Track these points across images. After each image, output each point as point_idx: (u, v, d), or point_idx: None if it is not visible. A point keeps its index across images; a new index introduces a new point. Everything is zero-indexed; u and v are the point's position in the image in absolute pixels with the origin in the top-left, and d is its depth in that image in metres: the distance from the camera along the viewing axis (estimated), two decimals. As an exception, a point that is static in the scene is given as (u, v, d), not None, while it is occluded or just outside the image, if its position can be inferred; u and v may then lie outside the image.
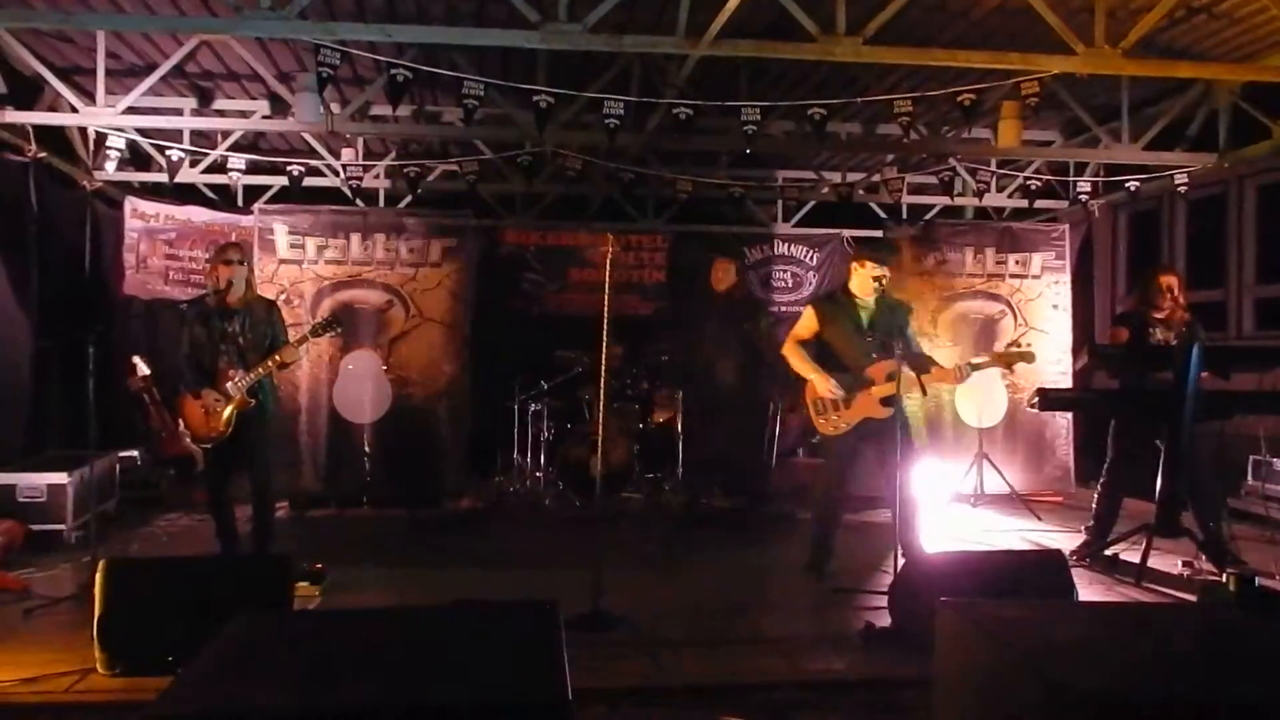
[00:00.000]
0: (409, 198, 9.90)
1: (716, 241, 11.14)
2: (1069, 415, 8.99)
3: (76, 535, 6.66)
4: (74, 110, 7.57)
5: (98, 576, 4.16)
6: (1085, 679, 2.48)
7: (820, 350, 5.95)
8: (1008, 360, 6.11)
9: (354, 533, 7.50)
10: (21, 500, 6.61)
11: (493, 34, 6.42)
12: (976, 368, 6.01)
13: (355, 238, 8.49)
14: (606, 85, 7.39)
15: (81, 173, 8.97)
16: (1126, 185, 9.00)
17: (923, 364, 5.83)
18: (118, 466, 7.65)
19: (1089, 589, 5.47)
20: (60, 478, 6.69)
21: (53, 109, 7.93)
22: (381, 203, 10.46)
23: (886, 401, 5.68)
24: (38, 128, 7.88)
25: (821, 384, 5.80)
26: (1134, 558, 5.94)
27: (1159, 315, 6.34)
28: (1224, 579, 5.53)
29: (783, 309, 11.06)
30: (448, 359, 8.52)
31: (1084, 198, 9.76)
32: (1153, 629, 3.14)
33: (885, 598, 4.81)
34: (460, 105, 6.77)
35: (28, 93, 7.81)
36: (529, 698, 2.30)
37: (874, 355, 5.78)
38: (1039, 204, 10.12)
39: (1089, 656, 2.72)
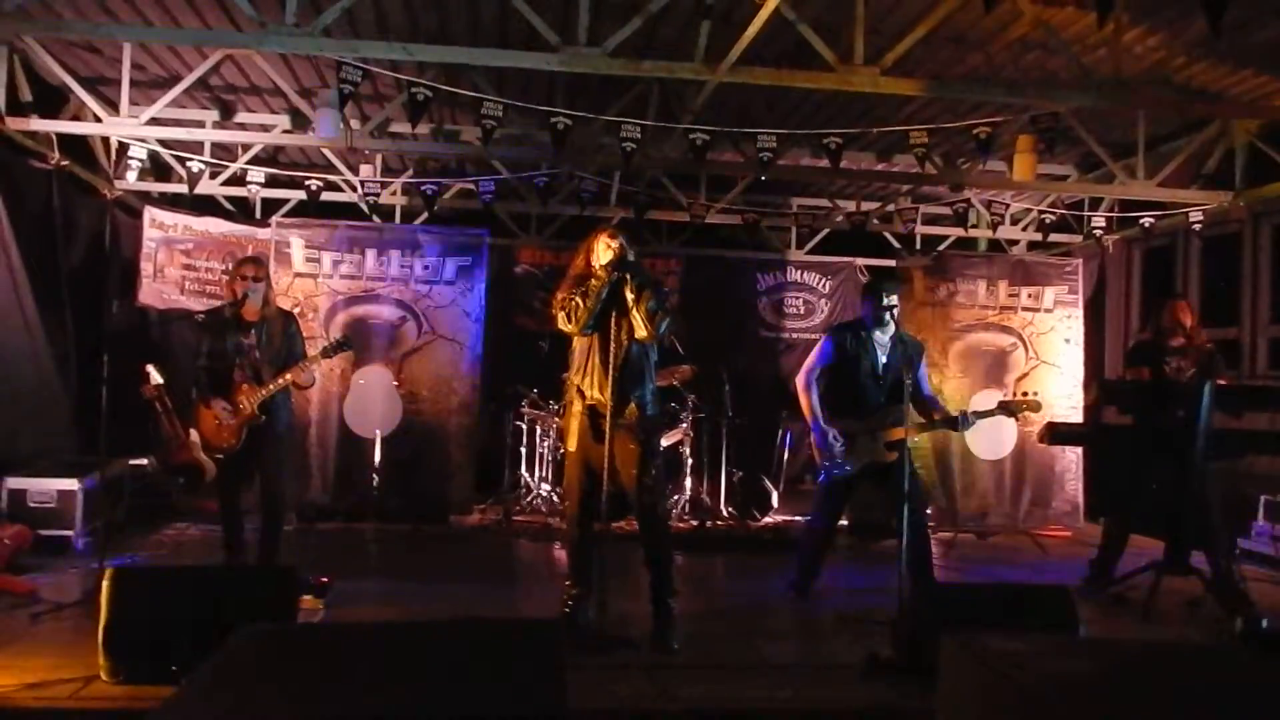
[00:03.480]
0: (425, 215, 9.97)
1: (730, 265, 11.21)
2: (1079, 450, 8.96)
3: (85, 541, 6.70)
4: (98, 120, 7.65)
5: (104, 584, 4.17)
6: (1088, 715, 2.47)
7: (831, 387, 5.96)
8: (1013, 410, 6.11)
9: (360, 546, 7.50)
10: (31, 505, 6.65)
11: (513, 55, 6.47)
12: (981, 416, 6.03)
13: (370, 253, 8.54)
14: (624, 108, 7.44)
15: (102, 181, 9.05)
16: (1141, 221, 9.01)
17: (926, 414, 5.85)
18: (128, 474, 7.68)
19: (1094, 625, 5.44)
20: (70, 484, 6.74)
21: (77, 118, 8.01)
22: (398, 219, 10.52)
23: (891, 446, 5.70)
24: (61, 136, 7.96)
25: (820, 441, 5.84)
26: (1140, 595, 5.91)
27: (1174, 345, 6.31)
28: (1232, 619, 5.52)
29: (794, 335, 11.09)
30: (458, 376, 8.54)
31: (1098, 233, 9.77)
32: (1158, 667, 3.12)
33: (889, 628, 4.79)
34: (479, 124, 6.83)
35: (52, 101, 7.91)
36: (528, 716, 2.30)
37: (883, 399, 5.80)
38: (1053, 238, 10.13)
39: (1093, 693, 2.71)
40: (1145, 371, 6.39)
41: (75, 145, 8.38)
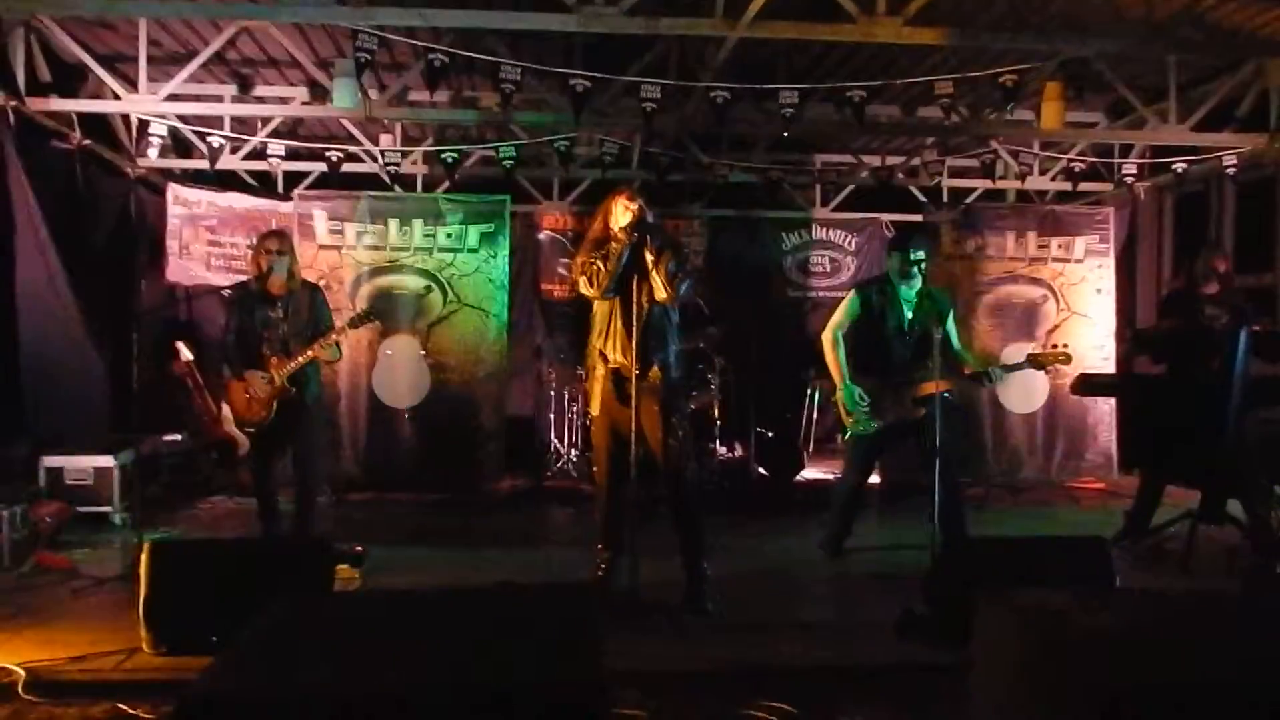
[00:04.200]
0: (446, 183, 9.93)
1: (754, 226, 11.12)
2: (1111, 401, 8.88)
3: (122, 517, 6.79)
4: (116, 97, 7.65)
5: (143, 557, 4.22)
6: (1127, 667, 2.45)
7: (857, 343, 5.91)
8: (1042, 363, 6.02)
9: (393, 516, 7.56)
10: (69, 483, 6.74)
11: (530, 18, 6.41)
12: (1009, 370, 5.96)
13: (393, 223, 8.54)
14: (643, 69, 7.35)
15: (125, 160, 9.07)
16: (1173, 167, 8.84)
17: (955, 368, 5.78)
18: (162, 450, 7.76)
19: (1131, 576, 5.40)
20: (106, 461, 6.82)
21: (96, 96, 8.02)
22: (419, 188, 10.51)
23: (920, 401, 5.65)
24: (81, 115, 7.97)
25: (847, 399, 5.80)
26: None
27: (1208, 293, 6.21)
28: (1269, 567, 5.47)
29: (820, 294, 11.02)
30: (485, 344, 8.55)
31: (1129, 180, 9.60)
32: (1196, 617, 3.10)
33: (922, 584, 4.77)
34: (497, 90, 6.77)
35: (71, 80, 7.91)
36: (565, 679, 2.30)
37: (909, 356, 5.75)
38: (1083, 187, 9.96)
39: (1131, 645, 2.69)
40: (1180, 321, 6.30)
41: (96, 124, 8.40)
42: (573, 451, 8.63)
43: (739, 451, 8.80)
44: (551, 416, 8.92)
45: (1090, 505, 8.02)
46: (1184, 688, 2.42)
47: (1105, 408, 8.93)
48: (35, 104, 7.32)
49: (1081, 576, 4.38)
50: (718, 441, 8.58)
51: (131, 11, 6.96)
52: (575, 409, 8.66)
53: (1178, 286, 6.67)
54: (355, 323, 5.97)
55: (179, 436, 8.28)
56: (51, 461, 6.78)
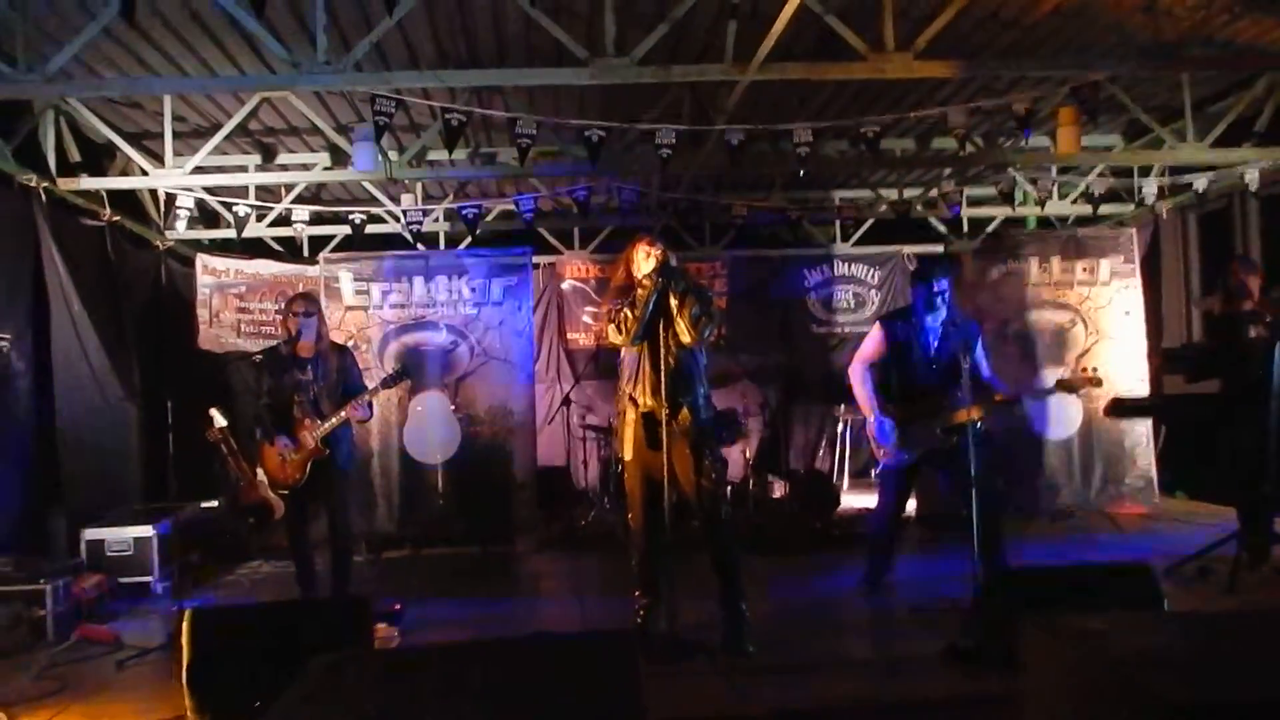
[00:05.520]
0: (468, 239, 10.05)
1: (775, 264, 11.16)
2: (1148, 422, 8.77)
3: (163, 585, 6.82)
4: (144, 173, 7.81)
5: (184, 625, 4.23)
6: (1180, 690, 2.40)
7: (885, 375, 5.90)
8: (1072, 387, 5.97)
9: (430, 572, 7.56)
10: (110, 554, 6.78)
11: (543, 73, 6.51)
12: (1039, 396, 5.92)
13: (418, 280, 8.61)
14: (658, 115, 7.43)
15: (154, 233, 9.25)
16: (1193, 185, 8.82)
17: (987, 396, 5.74)
18: (199, 517, 7.81)
19: (1178, 600, 5.31)
20: (146, 530, 6.87)
21: (125, 173, 8.20)
22: (442, 245, 10.63)
23: (951, 430, 5.61)
24: (111, 192, 8.14)
25: (878, 432, 5.78)
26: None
27: (1247, 310, 6.15)
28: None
29: (846, 329, 11.01)
30: (513, 396, 8.57)
31: (1150, 201, 9.57)
32: (1247, 637, 3.04)
33: (966, 616, 4.72)
34: (514, 144, 6.86)
35: (99, 158, 8.10)
36: (609, 728, 2.29)
37: (937, 386, 5.72)
38: (1104, 209, 9.95)
39: (1183, 667, 2.64)
40: (1223, 341, 6.23)
41: (125, 199, 8.58)
42: (605, 498, 8.61)
43: (776, 491, 8.76)
44: (583, 464, 8.92)
45: (1132, 530, 7.90)
46: (1238, 707, 2.37)
47: (1143, 430, 8.81)
48: (66, 184, 7.50)
49: (1128, 602, 4.31)
50: (751, 480, 8.53)
51: (155, 89, 7.13)
52: (606, 455, 8.64)
53: (1217, 310, 6.57)
54: (388, 383, 6.04)
55: (215, 503, 8.33)
56: (92, 534, 6.82)
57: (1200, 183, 8.76)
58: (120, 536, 6.85)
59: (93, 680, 4.91)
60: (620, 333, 4.85)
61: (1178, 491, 9.19)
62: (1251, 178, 8.35)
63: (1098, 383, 5.96)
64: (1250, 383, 5.95)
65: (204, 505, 8.01)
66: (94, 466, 7.53)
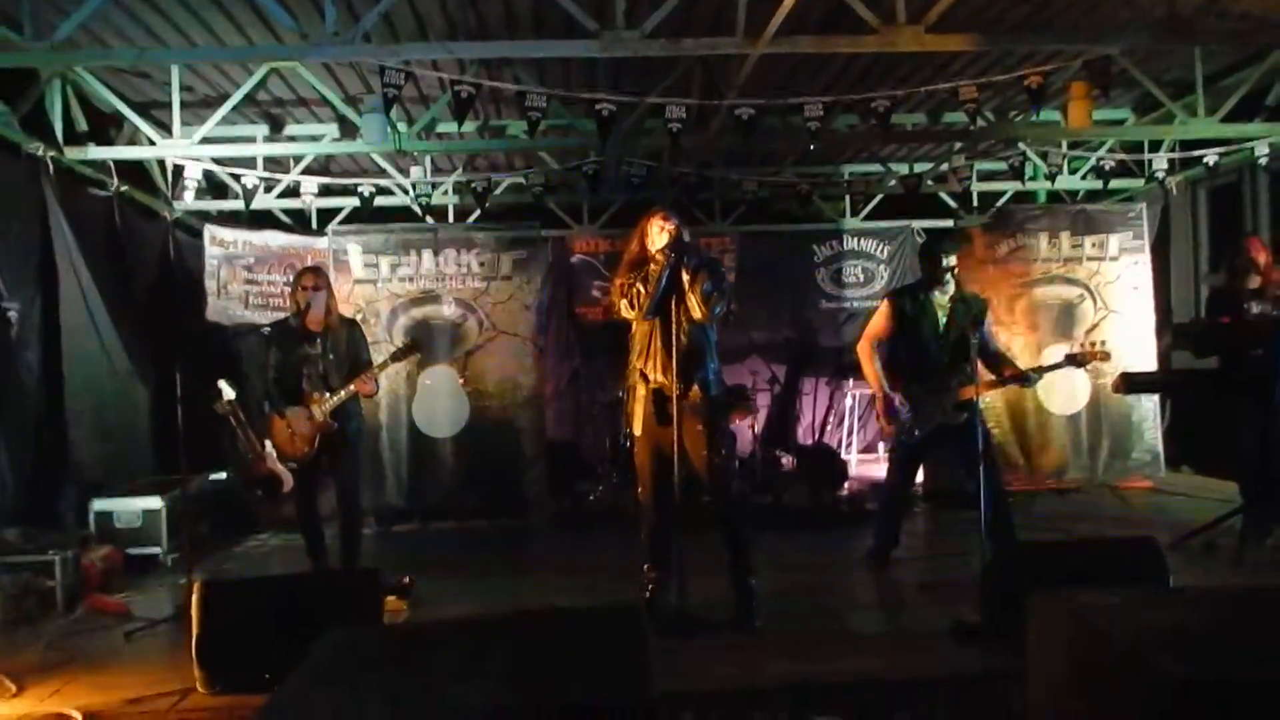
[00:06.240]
0: (478, 212, 10.02)
1: (785, 240, 11.13)
2: (1155, 398, 8.77)
3: (172, 558, 6.86)
4: (152, 143, 7.79)
5: (194, 597, 4.26)
6: (1185, 666, 2.41)
7: (893, 351, 5.90)
8: (1081, 361, 5.97)
9: (438, 546, 7.60)
10: (119, 526, 6.82)
11: (553, 45, 6.47)
12: (1048, 370, 5.92)
13: (427, 254, 8.59)
14: (667, 89, 7.39)
15: (161, 204, 9.24)
16: (1204, 160, 8.77)
17: (995, 371, 5.74)
18: (208, 489, 7.85)
19: (1184, 575, 5.32)
20: (154, 503, 6.90)
21: (132, 143, 8.18)
22: (451, 218, 10.61)
23: (960, 406, 5.61)
24: (118, 162, 8.13)
25: (887, 407, 5.79)
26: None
27: (1252, 287, 6.13)
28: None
29: (855, 304, 11.00)
30: (523, 370, 8.57)
31: (1160, 175, 9.51)
32: (1253, 613, 3.05)
33: (973, 592, 4.73)
34: (524, 118, 6.83)
35: (107, 128, 8.08)
36: (617, 701, 2.30)
37: (945, 361, 5.72)
38: (1113, 184, 9.89)
39: (1188, 643, 2.65)
40: (1226, 320, 6.22)
41: (132, 169, 8.57)
42: (614, 473, 8.63)
43: (784, 465, 8.77)
44: (592, 439, 8.93)
45: (1139, 504, 7.91)
46: (1238, 684, 2.38)
47: (1150, 405, 8.81)
48: (73, 153, 7.48)
49: (1134, 577, 4.33)
50: (760, 455, 8.55)
51: (164, 59, 7.11)
52: (615, 430, 8.65)
53: (1219, 285, 6.57)
54: (398, 356, 6.04)
55: (224, 475, 8.36)
56: (101, 505, 6.86)
57: (1211, 157, 8.70)
58: (129, 508, 6.89)
59: (101, 651, 4.94)
60: (632, 308, 4.84)
61: (1184, 467, 9.19)
62: (1262, 152, 8.29)
63: (1105, 357, 5.97)
64: (1248, 360, 5.96)
65: (212, 477, 8.05)
66: (102, 438, 7.56)
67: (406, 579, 5.70)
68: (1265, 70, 8.00)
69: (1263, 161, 8.39)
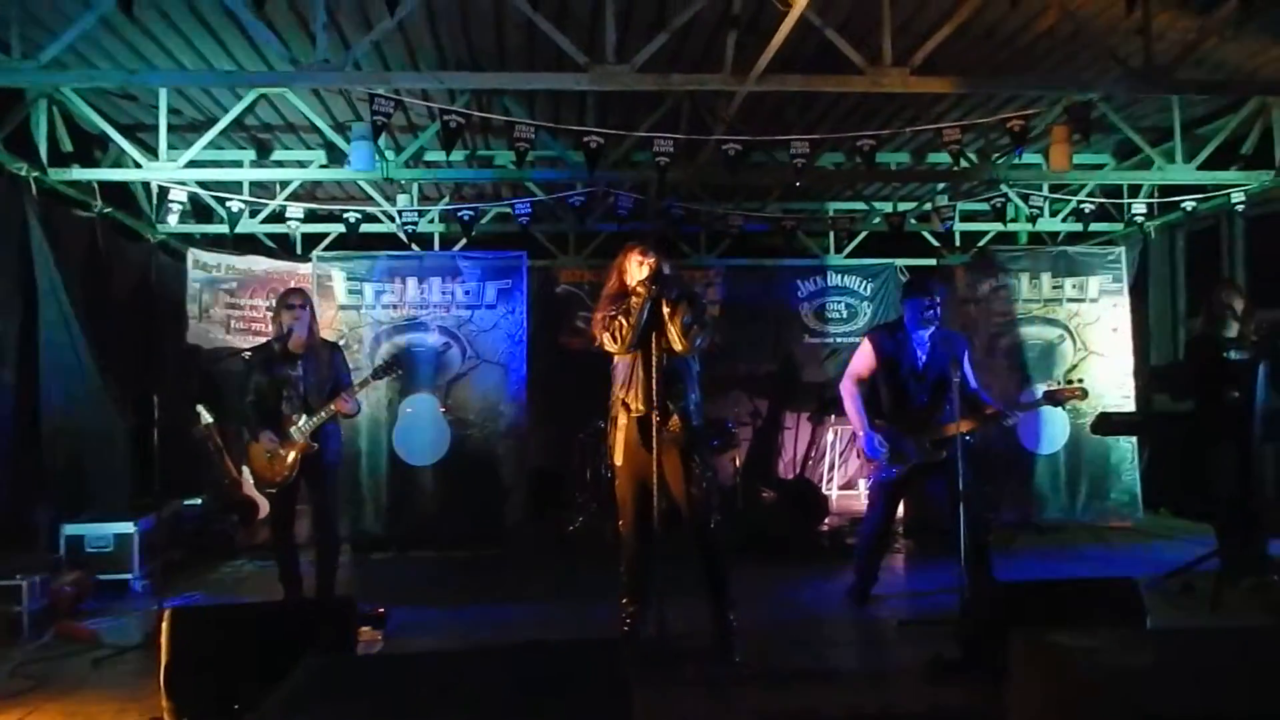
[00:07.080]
0: (463, 241, 10.03)
1: (769, 274, 11.18)
2: (1134, 439, 8.83)
3: (143, 584, 6.77)
4: (137, 165, 7.77)
5: (164, 625, 4.20)
6: (1165, 705, 2.41)
7: (873, 389, 5.92)
8: (1059, 399, 6.02)
9: (416, 574, 7.53)
10: (89, 550, 6.73)
11: (543, 77, 6.51)
12: (1026, 409, 5.96)
13: (411, 281, 8.60)
14: (656, 123, 7.44)
15: (145, 226, 9.21)
16: (1182, 205, 8.89)
17: (975, 410, 5.76)
18: (182, 514, 7.77)
19: (1162, 615, 5.33)
20: (127, 527, 6.82)
21: (117, 165, 8.16)
22: (437, 246, 10.61)
23: (939, 444, 5.64)
24: (102, 184, 8.10)
25: (867, 445, 5.82)
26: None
27: (1229, 336, 6.20)
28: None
29: (838, 339, 11.03)
30: (505, 399, 8.56)
31: (1139, 219, 9.63)
32: (1229, 652, 3.05)
33: (953, 629, 4.73)
34: (512, 148, 6.86)
35: (92, 149, 8.06)
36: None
37: (926, 399, 5.75)
38: (1094, 227, 10.02)
39: (1165, 683, 2.65)
40: (1203, 363, 6.28)
41: (117, 191, 8.54)
42: (595, 503, 8.60)
43: (765, 500, 8.76)
44: (573, 469, 8.89)
45: (1117, 545, 7.93)
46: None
47: (1128, 446, 8.87)
48: (57, 174, 7.45)
49: (1113, 617, 4.33)
50: (741, 489, 8.53)
51: (153, 82, 7.09)
52: (596, 461, 8.63)
53: (1199, 332, 6.63)
54: (379, 373, 6.02)
55: (199, 500, 8.29)
56: (72, 529, 6.77)
57: (1189, 203, 8.83)
58: (100, 533, 6.80)
59: (69, 679, 4.86)
60: (615, 341, 4.85)
61: (1161, 508, 9.24)
62: (1239, 199, 8.42)
63: (1083, 394, 6.03)
64: (1224, 404, 6.01)
65: (188, 502, 7.97)
66: (78, 460, 7.47)
67: (380, 609, 5.64)
68: (1242, 119, 8.15)
69: (1239, 208, 8.51)
